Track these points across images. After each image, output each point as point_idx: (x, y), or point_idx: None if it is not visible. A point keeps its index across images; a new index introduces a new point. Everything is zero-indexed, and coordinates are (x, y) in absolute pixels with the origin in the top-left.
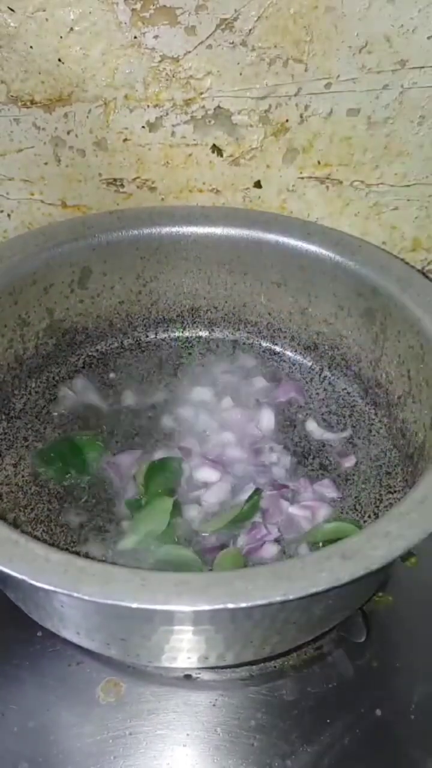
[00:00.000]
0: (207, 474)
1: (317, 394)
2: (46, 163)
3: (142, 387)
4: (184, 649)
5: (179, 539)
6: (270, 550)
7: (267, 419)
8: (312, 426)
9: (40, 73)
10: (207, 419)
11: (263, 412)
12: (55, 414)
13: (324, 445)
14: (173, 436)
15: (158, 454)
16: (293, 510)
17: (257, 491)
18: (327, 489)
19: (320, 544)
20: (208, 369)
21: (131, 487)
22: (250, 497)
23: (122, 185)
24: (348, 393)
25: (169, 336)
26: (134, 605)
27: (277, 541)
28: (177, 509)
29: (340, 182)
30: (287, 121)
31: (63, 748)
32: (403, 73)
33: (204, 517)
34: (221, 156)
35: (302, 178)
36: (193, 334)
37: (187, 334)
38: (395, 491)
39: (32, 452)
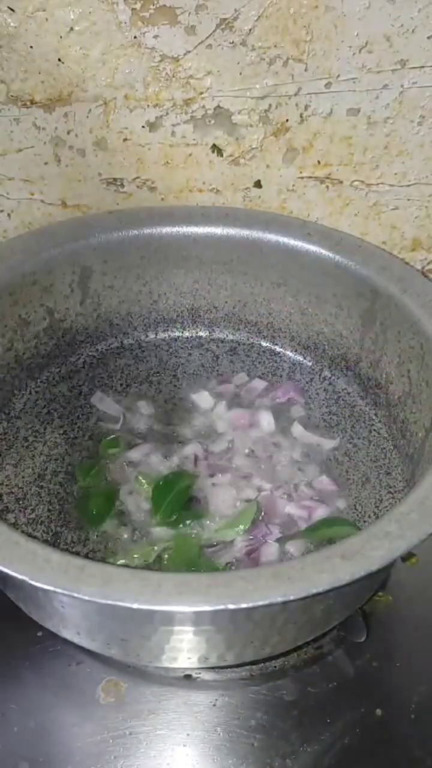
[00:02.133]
0: (211, 480)
1: (317, 394)
2: (46, 163)
3: (142, 388)
4: (185, 650)
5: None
6: (270, 550)
7: (267, 422)
8: (298, 430)
9: (40, 73)
10: (207, 421)
11: (263, 414)
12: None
13: (323, 445)
14: (174, 438)
15: (158, 458)
16: (291, 509)
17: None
18: (326, 489)
19: (313, 545)
20: (208, 370)
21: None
22: (251, 501)
23: (122, 185)
24: (348, 393)
25: (169, 336)
26: (134, 606)
27: (277, 540)
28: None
29: (340, 182)
30: (287, 120)
31: (63, 748)
32: (403, 73)
33: (208, 520)
34: (221, 156)
35: (302, 177)
36: (193, 334)
37: (187, 334)
38: (395, 491)
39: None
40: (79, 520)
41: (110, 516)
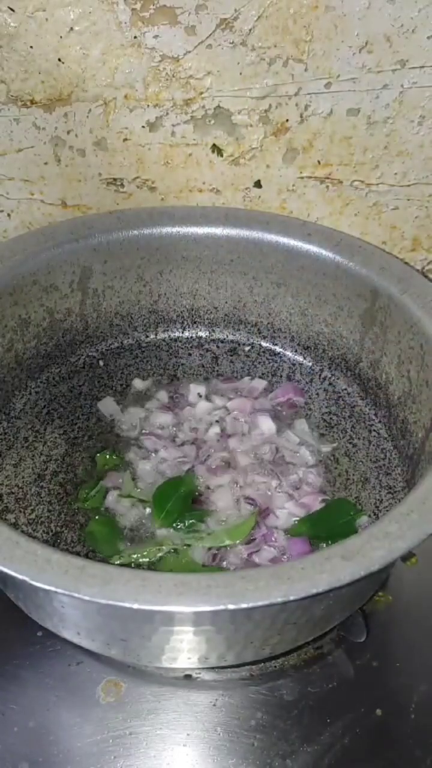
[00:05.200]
0: (212, 480)
1: (317, 394)
2: (46, 163)
3: (142, 389)
4: (185, 650)
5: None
6: (271, 551)
7: (267, 424)
8: (298, 431)
9: (40, 73)
10: (207, 422)
11: (262, 415)
12: (56, 414)
13: (322, 446)
14: (173, 439)
15: (157, 459)
16: (291, 508)
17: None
18: (326, 488)
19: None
20: (208, 370)
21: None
22: (250, 501)
23: (122, 185)
24: (348, 393)
25: (169, 336)
26: (135, 606)
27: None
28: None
29: (340, 182)
30: (287, 121)
31: (63, 748)
32: (403, 73)
33: (208, 523)
34: (221, 156)
35: (302, 177)
36: (193, 335)
37: (187, 334)
38: (395, 491)
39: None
40: (80, 521)
41: (120, 540)
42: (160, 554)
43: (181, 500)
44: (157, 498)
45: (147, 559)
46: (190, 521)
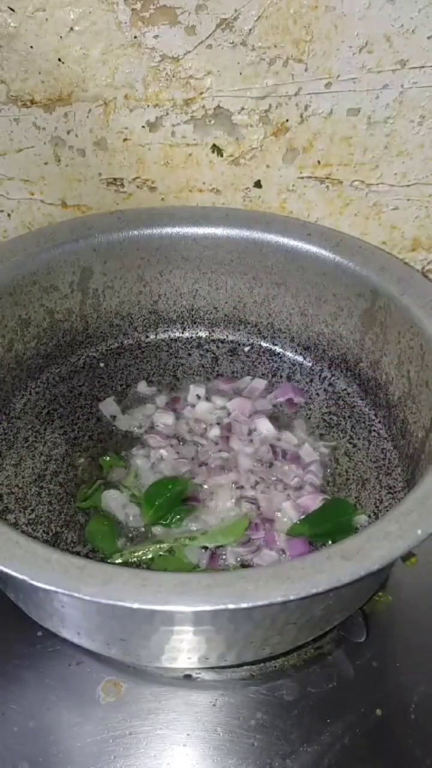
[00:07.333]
0: (212, 481)
1: (317, 394)
2: (46, 163)
3: (142, 389)
4: (185, 650)
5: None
6: (270, 551)
7: (266, 425)
8: (296, 431)
9: (40, 73)
10: (207, 422)
11: (262, 417)
12: (56, 415)
13: (322, 446)
14: (173, 439)
15: (156, 458)
16: (289, 506)
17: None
18: (326, 488)
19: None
20: (208, 370)
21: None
22: (249, 499)
23: (122, 185)
24: (348, 393)
25: (169, 336)
26: (135, 606)
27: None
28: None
29: (340, 182)
30: (287, 121)
31: (63, 748)
32: (403, 73)
33: (208, 522)
34: (221, 156)
35: (302, 177)
36: (193, 335)
37: (187, 334)
38: (395, 491)
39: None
40: (80, 521)
41: (120, 539)
42: (160, 552)
43: (172, 499)
44: (148, 496)
45: (147, 557)
46: (178, 516)
